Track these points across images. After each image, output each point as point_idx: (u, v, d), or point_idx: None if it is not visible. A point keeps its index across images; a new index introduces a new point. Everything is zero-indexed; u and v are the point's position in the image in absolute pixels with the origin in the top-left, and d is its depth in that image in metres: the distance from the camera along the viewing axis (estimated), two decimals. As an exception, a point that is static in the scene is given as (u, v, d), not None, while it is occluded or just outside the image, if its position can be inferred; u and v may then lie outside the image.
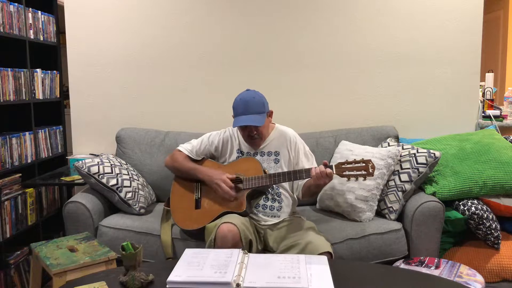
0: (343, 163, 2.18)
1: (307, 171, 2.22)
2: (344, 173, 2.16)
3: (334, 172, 2.16)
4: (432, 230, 2.51)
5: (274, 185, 2.40)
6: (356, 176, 2.14)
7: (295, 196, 2.49)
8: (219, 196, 2.37)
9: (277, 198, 2.40)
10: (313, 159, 2.50)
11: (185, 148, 2.56)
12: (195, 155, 2.54)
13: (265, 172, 2.35)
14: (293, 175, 2.26)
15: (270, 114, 2.43)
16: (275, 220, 2.39)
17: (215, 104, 3.32)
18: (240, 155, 2.47)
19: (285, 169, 2.41)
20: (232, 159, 2.48)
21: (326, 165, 2.17)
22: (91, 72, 3.35)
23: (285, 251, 2.22)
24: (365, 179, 2.15)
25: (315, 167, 2.19)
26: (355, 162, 2.16)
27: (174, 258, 2.42)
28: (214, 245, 2.15)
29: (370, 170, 2.13)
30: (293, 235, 2.27)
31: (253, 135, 2.35)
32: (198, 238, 2.43)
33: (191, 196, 2.48)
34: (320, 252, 2.07)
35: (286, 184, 2.44)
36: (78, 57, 3.34)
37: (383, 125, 3.16)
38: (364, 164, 2.15)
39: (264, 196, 2.40)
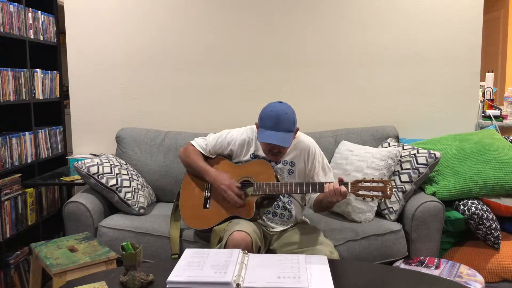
0: (359, 181, 2.03)
1: (321, 185, 2.10)
2: (359, 192, 2.02)
3: (349, 191, 2.02)
4: (432, 230, 2.51)
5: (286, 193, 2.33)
6: (372, 197, 2.01)
7: (308, 207, 2.42)
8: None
9: (288, 207, 2.35)
10: (330, 173, 2.38)
11: (199, 144, 2.47)
12: (209, 153, 2.45)
13: (277, 179, 2.26)
14: (305, 187, 2.14)
15: (296, 131, 2.28)
16: (283, 227, 2.36)
17: (215, 104, 3.32)
18: (254, 159, 2.37)
19: (298, 181, 2.29)
20: (245, 160, 2.40)
21: (341, 182, 2.05)
22: (91, 72, 3.35)
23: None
24: (381, 200, 2.01)
25: (329, 183, 2.06)
26: (373, 181, 2.02)
27: (180, 255, 2.40)
28: None
29: (388, 193, 1.99)
30: (299, 242, 2.23)
31: (275, 153, 2.23)
32: (202, 237, 2.42)
33: (200, 193, 2.42)
34: None
35: (298, 195, 2.37)
36: (78, 57, 3.34)
37: (383, 125, 3.16)
38: (382, 185, 2.00)
39: (275, 203, 2.34)
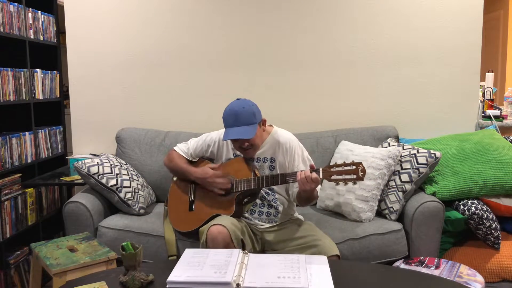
0: (331, 167, 2.05)
1: (294, 174, 2.13)
2: (332, 177, 2.04)
3: (321, 176, 2.06)
4: (432, 230, 2.51)
5: (270, 191, 2.37)
6: (345, 181, 2.02)
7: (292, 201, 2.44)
8: (212, 196, 2.37)
9: (274, 204, 2.38)
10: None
11: (181, 149, 2.54)
12: (191, 157, 2.52)
13: (255, 174, 2.30)
14: (280, 178, 2.18)
15: (263, 123, 2.31)
16: (271, 224, 2.39)
17: (215, 104, 3.31)
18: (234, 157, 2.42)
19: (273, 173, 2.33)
20: (228, 159, 2.44)
21: (312, 169, 2.07)
22: (91, 72, 3.35)
23: (291, 252, 2.21)
24: (354, 183, 2.03)
25: (301, 171, 2.09)
26: (345, 165, 2.03)
27: (177, 256, 2.42)
28: (206, 247, 2.15)
29: (360, 174, 2.00)
30: (299, 237, 2.26)
31: (245, 147, 2.26)
32: (193, 239, 2.44)
33: (185, 197, 2.49)
34: (329, 255, 2.06)
35: (282, 190, 2.40)
36: (78, 57, 3.34)
37: (383, 125, 3.16)
38: (354, 167, 2.00)
39: (260, 203, 2.38)
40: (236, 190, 2.31)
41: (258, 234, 2.37)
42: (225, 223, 2.15)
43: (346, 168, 2.03)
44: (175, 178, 2.60)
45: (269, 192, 2.38)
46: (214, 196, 2.38)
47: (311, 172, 2.06)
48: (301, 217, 2.52)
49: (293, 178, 2.15)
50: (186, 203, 2.47)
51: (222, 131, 2.48)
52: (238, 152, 2.40)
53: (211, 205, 2.37)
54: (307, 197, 2.23)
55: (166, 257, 2.47)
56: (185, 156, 2.52)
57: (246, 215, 2.38)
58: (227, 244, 2.10)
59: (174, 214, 2.50)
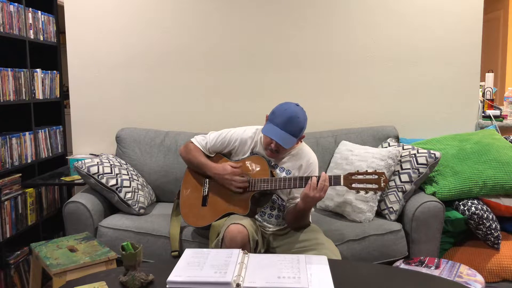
0: (352, 174, 2.03)
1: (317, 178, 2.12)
2: (353, 185, 2.02)
3: (342, 184, 2.04)
4: (432, 230, 2.51)
5: (280, 196, 2.36)
6: (366, 190, 1.99)
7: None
8: (227, 193, 2.34)
9: (283, 209, 2.36)
10: None
11: (199, 142, 2.49)
12: (208, 151, 2.48)
13: (272, 174, 2.28)
14: (298, 181, 2.17)
15: (301, 137, 2.29)
16: (280, 227, 2.38)
17: (215, 104, 3.32)
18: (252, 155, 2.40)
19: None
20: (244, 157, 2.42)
21: (334, 176, 2.04)
22: (91, 72, 3.35)
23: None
24: (375, 193, 2.01)
25: (316, 176, 2.08)
26: (366, 173, 2.01)
27: (180, 252, 2.41)
28: (222, 245, 2.13)
29: (382, 185, 1.98)
30: (303, 240, 2.25)
31: (273, 148, 2.24)
32: (202, 234, 2.44)
33: (199, 191, 2.45)
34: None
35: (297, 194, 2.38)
36: (78, 57, 3.34)
37: (383, 125, 3.16)
38: (376, 177, 1.99)
39: (271, 205, 2.36)
40: (253, 189, 2.26)
41: (266, 237, 2.36)
42: (244, 223, 2.12)
43: (367, 177, 2.00)
44: (188, 168, 2.55)
45: (280, 197, 2.37)
46: (228, 193, 2.35)
47: (329, 179, 2.04)
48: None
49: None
50: (199, 197, 2.43)
51: (247, 128, 2.45)
52: (255, 151, 2.39)
53: (225, 202, 2.34)
54: (300, 215, 2.23)
55: (166, 257, 2.47)
56: (202, 150, 2.49)
57: (256, 216, 2.36)
58: (245, 244, 2.07)
59: (186, 209, 2.46)
